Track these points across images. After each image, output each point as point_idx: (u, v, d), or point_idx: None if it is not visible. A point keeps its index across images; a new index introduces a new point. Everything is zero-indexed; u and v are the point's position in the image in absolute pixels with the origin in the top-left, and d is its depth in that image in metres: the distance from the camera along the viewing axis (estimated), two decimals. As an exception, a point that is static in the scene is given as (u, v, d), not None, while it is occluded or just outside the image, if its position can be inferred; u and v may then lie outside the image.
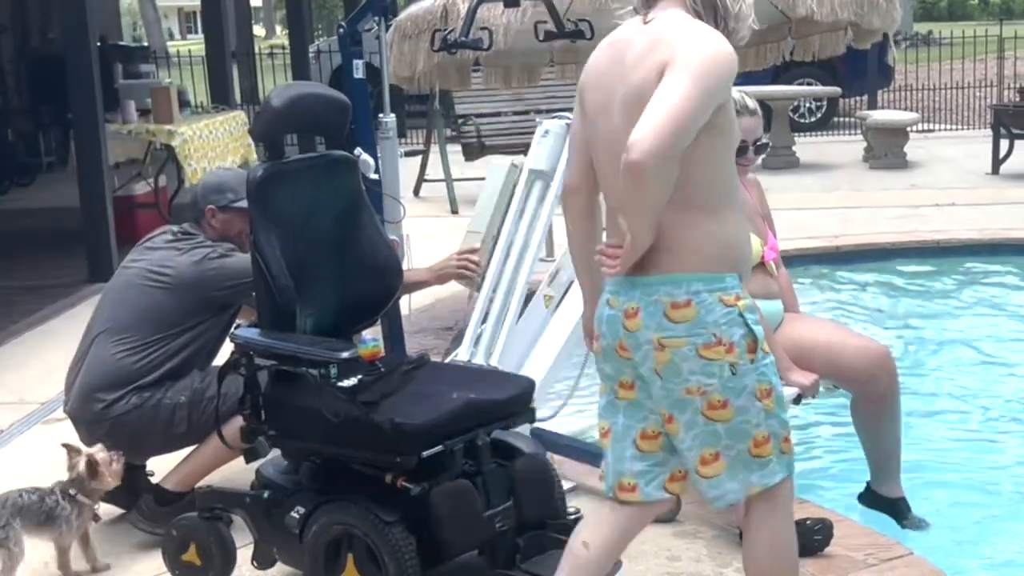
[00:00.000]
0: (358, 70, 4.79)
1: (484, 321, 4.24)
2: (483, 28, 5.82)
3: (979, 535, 4.25)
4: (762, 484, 2.89)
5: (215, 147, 9.43)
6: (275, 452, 3.56)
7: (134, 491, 4.04)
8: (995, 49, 15.69)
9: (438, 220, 9.58)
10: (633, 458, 2.95)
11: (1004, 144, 11.24)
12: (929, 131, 14.09)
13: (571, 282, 4.41)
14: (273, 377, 3.44)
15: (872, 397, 4.03)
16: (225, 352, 3.73)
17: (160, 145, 9.12)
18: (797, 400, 3.82)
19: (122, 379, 3.98)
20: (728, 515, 3.96)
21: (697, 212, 2.81)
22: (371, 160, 4.60)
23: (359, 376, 3.24)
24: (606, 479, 3.02)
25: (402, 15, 8.26)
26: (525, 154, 4.53)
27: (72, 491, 3.71)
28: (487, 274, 4.35)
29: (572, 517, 3.52)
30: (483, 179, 4.93)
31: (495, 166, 4.66)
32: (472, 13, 5.16)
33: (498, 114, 11.60)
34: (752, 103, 4.08)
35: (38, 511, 3.65)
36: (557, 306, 4.38)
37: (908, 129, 12.21)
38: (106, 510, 3.98)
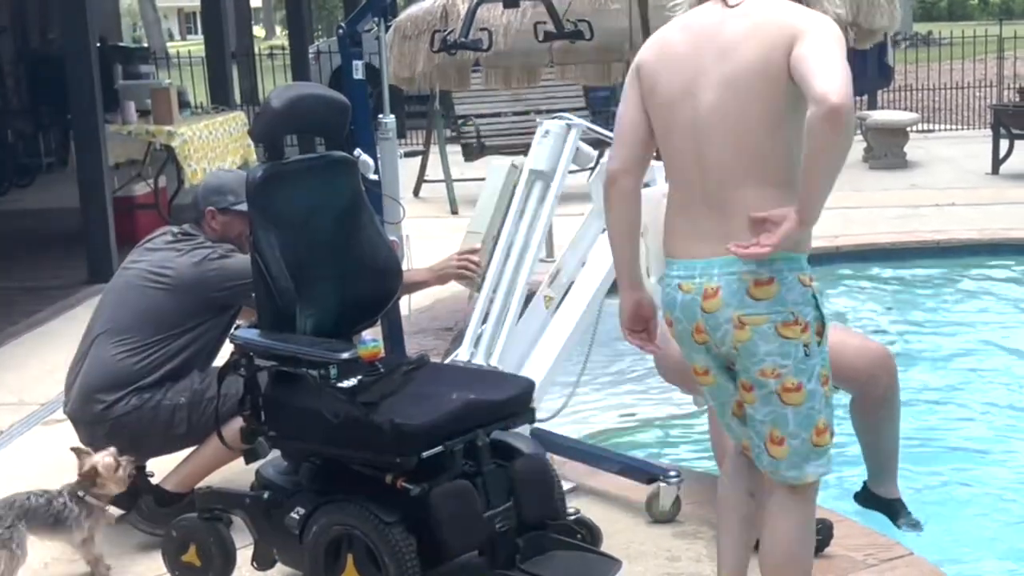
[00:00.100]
0: (358, 71, 4.79)
1: (484, 321, 4.24)
2: (483, 29, 5.82)
3: (979, 535, 4.25)
4: (817, 474, 2.97)
5: (215, 148, 9.44)
6: (275, 453, 3.56)
7: (134, 492, 4.04)
8: (995, 49, 15.69)
9: (438, 221, 9.58)
10: (739, 426, 3.07)
11: (1004, 144, 11.25)
12: (929, 131, 14.09)
13: (571, 283, 4.41)
14: (273, 378, 3.44)
15: (872, 397, 4.03)
16: (225, 353, 3.73)
17: (160, 146, 9.13)
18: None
19: (122, 380, 3.98)
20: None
21: (780, 189, 2.85)
22: (371, 161, 4.60)
23: (359, 377, 3.23)
24: (732, 439, 3.15)
25: (402, 16, 8.28)
26: (525, 155, 4.53)
27: (80, 493, 3.70)
28: (487, 274, 4.35)
29: (572, 518, 3.53)
30: (483, 180, 4.93)
31: (495, 167, 4.66)
32: (472, 14, 5.16)
33: (498, 115, 11.61)
34: None
35: (45, 514, 3.63)
36: (557, 307, 4.38)
37: (908, 129, 12.22)
38: (106, 511, 3.99)
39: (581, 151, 4.49)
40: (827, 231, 8.62)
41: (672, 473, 4.04)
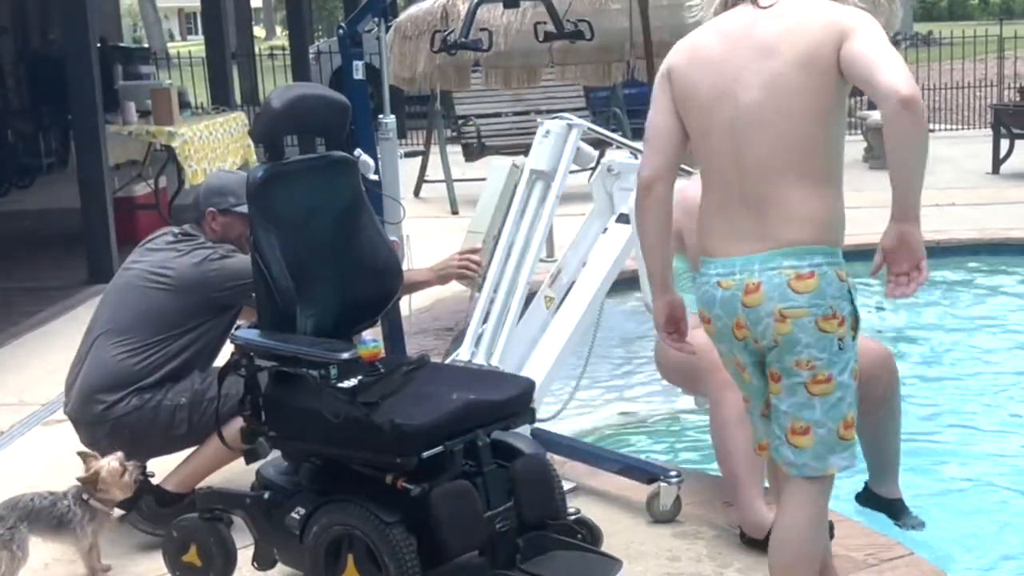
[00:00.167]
0: (358, 71, 4.79)
1: (485, 321, 4.24)
2: (483, 29, 5.83)
3: (980, 535, 4.25)
4: (840, 466, 3.01)
5: (215, 148, 9.44)
6: (275, 453, 3.56)
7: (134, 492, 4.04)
8: (995, 49, 15.71)
9: (438, 221, 9.59)
10: (763, 425, 3.13)
11: (1004, 144, 11.25)
12: (929, 131, 14.04)
13: (572, 283, 4.41)
14: (273, 378, 3.44)
15: (873, 397, 4.02)
16: (226, 353, 3.73)
17: (160, 146, 9.13)
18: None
19: (123, 380, 3.98)
20: (729, 515, 3.97)
21: (820, 184, 2.94)
22: (371, 161, 4.60)
23: (359, 377, 3.23)
24: (754, 434, 3.22)
25: (402, 16, 8.29)
26: (525, 155, 4.53)
27: (85, 496, 3.68)
28: (488, 274, 4.35)
29: (572, 518, 3.53)
30: (483, 180, 4.94)
31: (496, 167, 4.66)
32: (472, 14, 5.16)
33: (498, 115, 11.61)
34: None
35: (49, 516, 3.62)
36: (558, 307, 4.38)
37: (908, 129, 12.19)
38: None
39: (582, 151, 4.49)
40: (827, 231, 8.64)
41: (673, 473, 4.04)
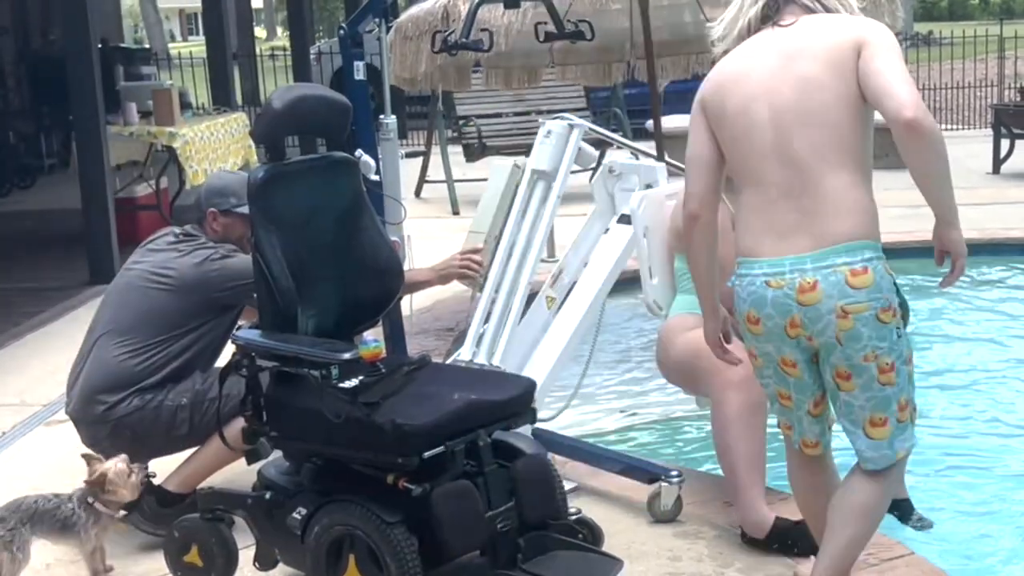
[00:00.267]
0: (359, 71, 4.80)
1: (486, 321, 4.24)
2: (483, 29, 5.83)
3: (980, 535, 4.25)
4: (905, 448, 3.14)
5: (216, 149, 9.45)
6: (277, 453, 3.56)
7: (137, 493, 4.05)
8: (995, 49, 15.71)
9: (439, 221, 9.59)
10: (811, 424, 3.26)
11: (1005, 144, 11.25)
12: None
13: (573, 283, 4.41)
14: (275, 378, 3.44)
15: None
16: (227, 353, 3.73)
17: (161, 147, 9.13)
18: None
19: (124, 381, 3.98)
20: (730, 515, 3.97)
21: (856, 172, 3.04)
22: (372, 161, 4.60)
23: (360, 377, 3.24)
24: (794, 433, 3.30)
25: (403, 17, 8.27)
26: (526, 155, 4.53)
27: (90, 499, 3.67)
28: (489, 274, 4.35)
29: (574, 517, 3.53)
30: (484, 180, 4.94)
31: (497, 167, 4.66)
32: (472, 14, 5.15)
33: (499, 115, 11.61)
34: None
35: (53, 519, 3.61)
36: (559, 307, 4.38)
37: (909, 129, 12.19)
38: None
39: (583, 151, 4.49)
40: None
41: (674, 473, 4.05)
